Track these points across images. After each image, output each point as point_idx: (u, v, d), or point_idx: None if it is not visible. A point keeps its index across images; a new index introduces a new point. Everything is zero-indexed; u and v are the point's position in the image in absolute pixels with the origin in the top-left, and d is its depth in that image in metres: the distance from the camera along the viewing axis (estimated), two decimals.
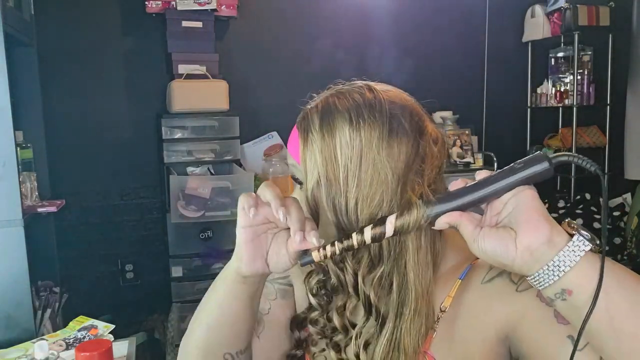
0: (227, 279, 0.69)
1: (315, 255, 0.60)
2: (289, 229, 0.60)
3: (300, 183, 0.69)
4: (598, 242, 0.53)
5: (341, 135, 0.64)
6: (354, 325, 0.69)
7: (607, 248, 2.92)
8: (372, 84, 0.70)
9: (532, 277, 0.54)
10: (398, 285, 0.65)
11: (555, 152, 3.35)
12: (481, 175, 0.57)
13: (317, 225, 0.65)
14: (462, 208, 0.57)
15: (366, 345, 0.68)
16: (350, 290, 0.67)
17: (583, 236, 0.52)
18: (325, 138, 0.64)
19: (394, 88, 0.70)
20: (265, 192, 0.62)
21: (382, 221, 0.59)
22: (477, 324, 0.66)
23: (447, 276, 0.69)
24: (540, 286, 0.54)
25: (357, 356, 0.68)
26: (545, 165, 0.55)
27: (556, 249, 0.52)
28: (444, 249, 0.70)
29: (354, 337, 0.69)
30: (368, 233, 0.59)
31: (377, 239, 0.60)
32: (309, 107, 0.69)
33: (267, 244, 0.63)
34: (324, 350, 0.74)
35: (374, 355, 0.67)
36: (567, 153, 0.57)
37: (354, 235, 0.60)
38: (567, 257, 0.51)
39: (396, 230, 0.59)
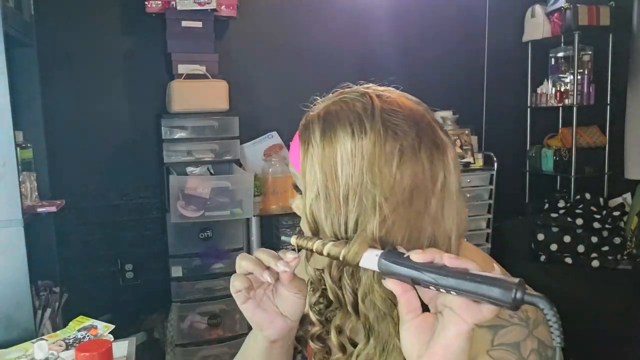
0: (262, 350, 0.72)
1: (292, 240, 0.64)
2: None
3: (301, 192, 0.67)
4: None
5: (342, 150, 0.60)
6: (354, 345, 0.66)
7: (606, 248, 2.93)
8: (379, 90, 0.66)
9: None
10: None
11: (555, 152, 3.36)
12: (449, 260, 0.52)
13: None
14: (414, 282, 0.53)
15: None
16: (350, 309, 0.63)
17: None
18: (326, 151, 0.61)
19: (402, 94, 0.67)
20: (242, 263, 0.66)
21: (343, 244, 0.59)
22: None
23: None
24: None
25: None
26: (509, 298, 0.48)
27: None
28: None
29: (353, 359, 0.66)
30: (327, 248, 0.60)
31: (332, 257, 0.59)
32: (311, 113, 0.66)
33: (272, 301, 0.68)
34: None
35: None
36: (543, 301, 0.49)
37: (317, 242, 0.61)
38: None
39: (344, 260, 0.58)
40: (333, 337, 0.67)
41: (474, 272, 0.51)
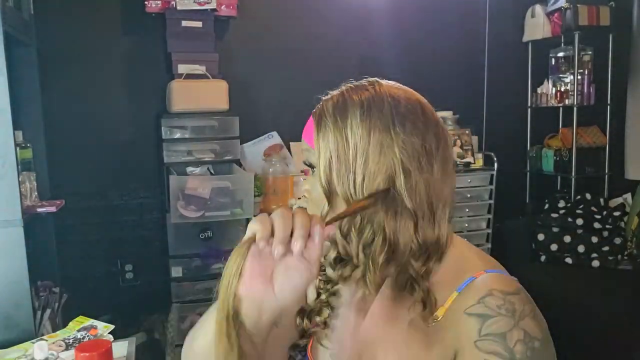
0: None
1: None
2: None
3: (313, 167, 0.74)
4: None
5: (352, 118, 0.69)
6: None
7: (607, 248, 2.93)
8: (384, 81, 0.74)
9: None
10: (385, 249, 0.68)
11: (555, 152, 3.36)
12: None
13: (329, 205, 0.70)
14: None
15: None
16: (356, 260, 0.69)
17: None
18: (338, 121, 0.69)
19: (405, 87, 0.75)
20: (252, 227, 0.58)
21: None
22: (450, 343, 0.67)
23: (443, 284, 0.70)
24: None
25: None
26: None
27: None
28: (448, 255, 0.71)
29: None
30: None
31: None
32: (324, 98, 0.74)
33: (269, 265, 0.58)
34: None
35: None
36: None
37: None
38: None
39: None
40: (341, 287, 0.74)
41: None
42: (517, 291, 0.67)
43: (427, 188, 0.68)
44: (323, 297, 0.76)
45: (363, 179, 0.67)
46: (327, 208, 0.71)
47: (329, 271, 0.74)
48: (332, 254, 0.73)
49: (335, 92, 0.74)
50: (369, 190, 0.67)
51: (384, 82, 0.74)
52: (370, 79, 0.74)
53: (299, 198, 0.79)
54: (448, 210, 0.71)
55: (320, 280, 0.76)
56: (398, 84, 0.74)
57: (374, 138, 0.67)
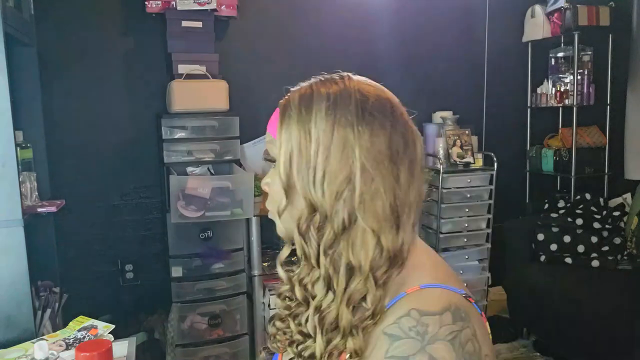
0: None
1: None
2: None
3: (273, 161, 0.72)
4: None
5: (317, 112, 0.67)
6: (314, 297, 0.69)
7: (606, 248, 2.93)
8: (356, 76, 0.73)
9: None
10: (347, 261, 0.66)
11: (555, 152, 3.36)
12: None
13: (287, 200, 0.69)
14: None
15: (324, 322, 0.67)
16: (313, 262, 0.67)
17: None
18: (302, 113, 0.68)
19: (377, 84, 0.73)
20: None
21: None
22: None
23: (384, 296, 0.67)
24: None
25: (312, 333, 0.68)
26: None
27: None
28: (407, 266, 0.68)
29: (312, 311, 0.68)
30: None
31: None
32: (292, 89, 0.74)
33: None
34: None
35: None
36: None
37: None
38: None
39: None
40: (297, 290, 0.70)
41: None
42: (441, 311, 0.61)
43: (389, 194, 0.65)
44: (284, 274, 0.74)
45: (323, 176, 0.65)
46: (285, 203, 0.70)
47: (282, 274, 0.73)
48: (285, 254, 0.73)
49: (304, 84, 0.73)
50: (330, 188, 0.65)
51: (355, 77, 0.72)
52: (342, 73, 0.73)
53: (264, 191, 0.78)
54: (413, 216, 0.68)
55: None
56: (370, 81, 0.72)
57: (337, 134, 0.65)
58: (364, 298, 0.65)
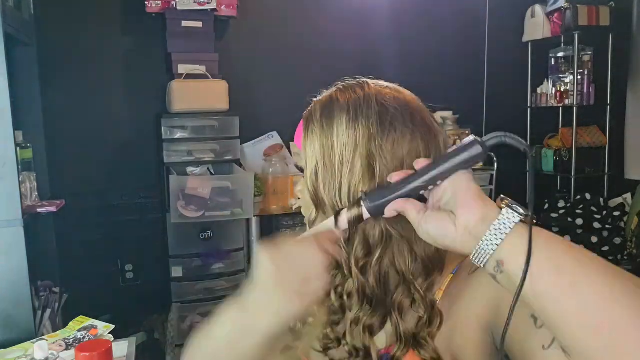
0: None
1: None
2: None
3: (302, 170, 0.73)
4: (530, 213, 0.55)
5: (339, 125, 0.67)
6: (350, 308, 0.70)
7: (606, 248, 2.93)
8: (375, 81, 0.72)
9: (473, 255, 0.55)
10: (390, 274, 0.67)
11: (555, 152, 3.37)
12: (420, 164, 0.59)
13: (317, 211, 0.70)
14: (405, 196, 0.59)
15: (369, 331, 0.68)
16: (347, 273, 0.68)
17: (513, 209, 0.55)
18: (325, 128, 0.68)
19: (394, 86, 0.73)
20: None
21: (338, 212, 0.63)
22: (465, 314, 0.67)
23: (444, 273, 0.70)
24: (481, 263, 0.55)
25: (358, 345, 0.68)
26: (478, 149, 0.57)
27: (489, 224, 0.54)
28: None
29: (349, 323, 0.69)
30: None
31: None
32: (314, 99, 0.74)
33: None
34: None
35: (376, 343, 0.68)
36: (497, 134, 0.59)
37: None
38: (497, 230, 0.53)
39: (348, 221, 0.62)
40: (332, 296, 0.70)
41: (439, 157, 0.59)
42: None
43: None
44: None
45: (349, 190, 0.66)
46: (315, 214, 0.70)
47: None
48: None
49: (325, 94, 0.73)
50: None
51: (372, 82, 0.72)
52: (361, 80, 0.73)
53: (299, 198, 0.78)
54: None
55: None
56: (388, 85, 0.72)
57: (359, 146, 0.65)
58: (413, 305, 0.66)
